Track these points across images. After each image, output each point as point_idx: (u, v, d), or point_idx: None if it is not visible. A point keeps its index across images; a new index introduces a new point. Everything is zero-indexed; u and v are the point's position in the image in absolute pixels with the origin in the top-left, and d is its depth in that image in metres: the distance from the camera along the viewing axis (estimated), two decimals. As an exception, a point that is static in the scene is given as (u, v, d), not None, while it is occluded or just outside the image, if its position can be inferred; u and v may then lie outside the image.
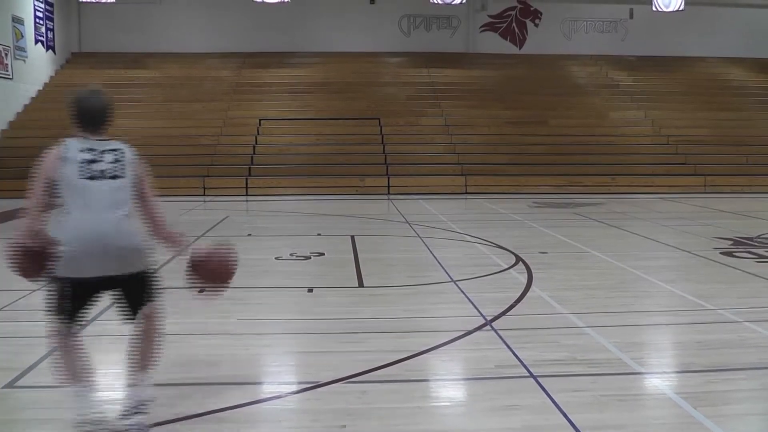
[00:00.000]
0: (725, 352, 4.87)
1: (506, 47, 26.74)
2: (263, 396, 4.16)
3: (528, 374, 4.40)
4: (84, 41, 25.59)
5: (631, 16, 26.79)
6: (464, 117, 22.02)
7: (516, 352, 4.81)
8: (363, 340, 5.16)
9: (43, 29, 23.27)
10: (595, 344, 5.03)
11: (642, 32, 26.61)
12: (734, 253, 8.86)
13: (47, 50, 23.74)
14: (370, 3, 26.06)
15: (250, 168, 19.44)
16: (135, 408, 3.60)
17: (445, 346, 5.00)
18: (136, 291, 3.65)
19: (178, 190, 18.19)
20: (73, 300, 3.49)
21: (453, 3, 24.58)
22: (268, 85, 23.81)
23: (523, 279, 7.29)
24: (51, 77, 23.97)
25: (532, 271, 7.68)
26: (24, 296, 6.52)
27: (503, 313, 5.88)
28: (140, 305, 3.69)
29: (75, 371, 3.56)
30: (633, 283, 7.23)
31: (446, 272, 7.67)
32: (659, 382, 4.36)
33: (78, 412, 3.52)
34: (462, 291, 6.74)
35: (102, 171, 3.54)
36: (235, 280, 7.40)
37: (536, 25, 26.81)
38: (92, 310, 5.84)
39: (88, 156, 3.56)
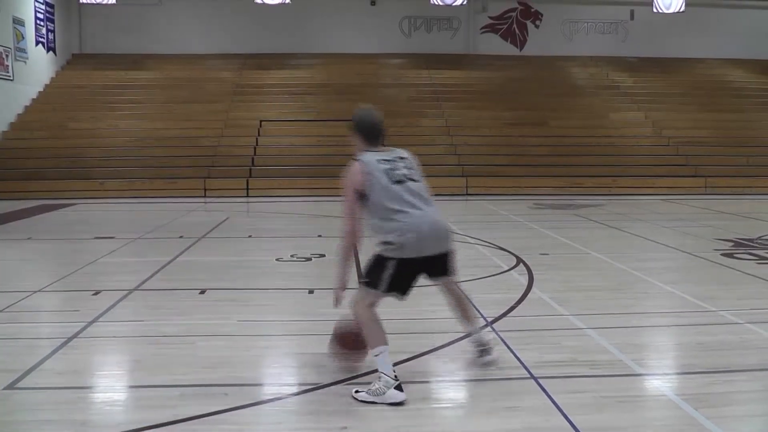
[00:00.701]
0: (726, 353, 4.87)
1: (507, 48, 26.74)
2: (264, 397, 4.16)
3: (529, 375, 4.41)
4: (85, 42, 25.61)
5: (632, 17, 26.79)
6: (465, 118, 22.02)
7: (517, 354, 4.81)
8: (364, 342, 5.16)
9: (43, 30, 23.28)
10: (596, 345, 5.04)
11: (642, 33, 26.62)
12: (735, 255, 8.86)
13: (48, 51, 23.76)
14: (371, 4, 26.07)
15: (250, 169, 19.45)
16: (485, 347, 4.55)
17: (446, 348, 5.00)
18: (443, 266, 4.42)
19: (179, 191, 18.23)
20: (405, 278, 4.23)
21: (454, 4, 24.58)
22: (268, 87, 23.81)
23: (524, 280, 7.29)
24: (52, 78, 23.99)
25: (533, 272, 7.68)
26: (24, 298, 6.54)
27: (504, 315, 5.88)
28: (443, 276, 4.49)
29: (381, 336, 4.17)
30: (633, 285, 7.22)
31: (447, 273, 7.65)
32: (660, 383, 4.36)
33: (385, 370, 4.08)
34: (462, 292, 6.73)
35: (404, 175, 4.22)
36: (236, 281, 7.47)
37: (537, 27, 26.82)
38: (92, 312, 5.86)
39: (387, 166, 4.20)
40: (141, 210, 15.43)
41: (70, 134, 20.73)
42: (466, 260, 8.68)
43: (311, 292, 6.85)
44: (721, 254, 8.89)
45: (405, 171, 4.26)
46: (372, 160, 4.18)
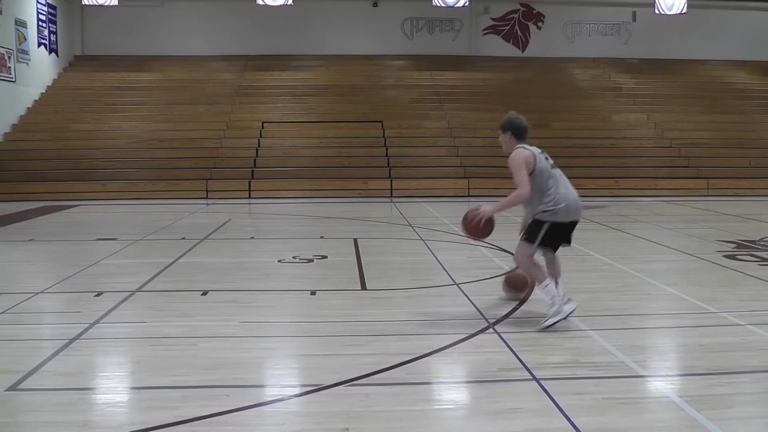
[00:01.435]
0: (728, 355, 4.86)
1: (509, 50, 26.74)
2: (266, 399, 4.15)
3: (531, 377, 4.39)
4: (87, 44, 25.65)
5: (634, 18, 26.77)
6: (467, 120, 22.01)
7: (519, 355, 4.80)
8: (366, 343, 5.16)
9: (45, 32, 23.31)
10: (598, 347, 5.03)
11: (645, 35, 26.60)
12: (737, 256, 8.85)
13: (50, 53, 23.78)
14: (373, 6, 26.09)
15: (252, 171, 19.46)
16: (567, 297, 5.54)
17: (448, 349, 4.99)
18: (570, 234, 5.70)
19: (181, 192, 18.24)
20: (559, 237, 5.62)
21: (456, 6, 24.59)
22: (270, 88, 23.83)
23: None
24: (54, 80, 24.03)
25: (535, 274, 7.67)
26: (27, 299, 6.55)
27: (506, 316, 5.88)
28: (568, 244, 5.77)
29: (543, 273, 5.63)
30: (636, 286, 7.21)
31: (449, 275, 7.66)
32: (662, 385, 4.35)
33: (556, 302, 5.40)
34: (465, 294, 6.74)
35: (552, 164, 5.67)
36: (238, 283, 7.48)
37: (539, 28, 26.81)
38: (94, 314, 5.87)
39: (543, 155, 5.66)
40: (143, 211, 15.45)
41: (72, 136, 20.77)
42: (468, 262, 8.70)
43: (313, 293, 6.84)
44: (724, 256, 8.87)
45: (551, 160, 5.71)
46: (535, 149, 5.63)
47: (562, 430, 3.66)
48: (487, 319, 5.74)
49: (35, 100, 22.64)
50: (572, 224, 5.61)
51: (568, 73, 25.62)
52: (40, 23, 22.90)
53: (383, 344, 5.13)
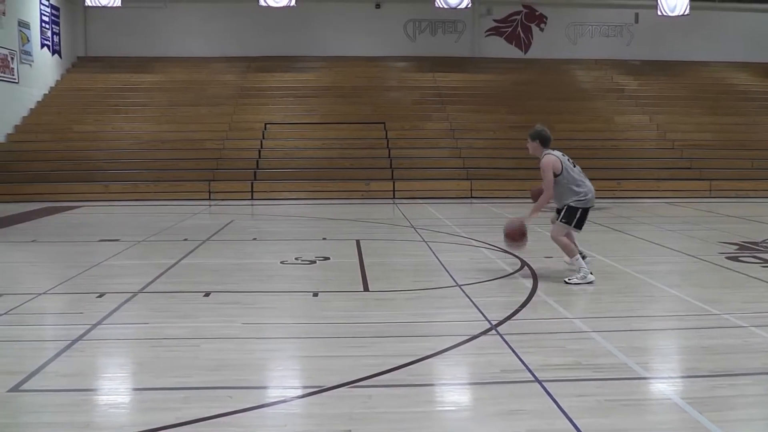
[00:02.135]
0: (730, 357, 4.85)
1: (511, 52, 26.75)
2: (268, 400, 4.15)
3: (533, 379, 4.39)
4: (90, 45, 25.71)
5: (637, 20, 26.77)
6: (469, 121, 22.03)
7: (521, 357, 4.79)
8: (368, 345, 5.15)
9: (49, 33, 23.36)
10: (601, 349, 5.02)
11: (647, 37, 26.60)
12: (739, 258, 8.84)
13: (53, 54, 23.85)
14: (376, 7, 26.12)
15: (255, 172, 19.48)
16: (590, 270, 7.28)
17: (451, 351, 4.99)
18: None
19: (184, 194, 18.27)
20: (584, 219, 7.32)
21: (458, 7, 24.60)
22: (273, 89, 23.86)
23: (529, 284, 7.28)
24: (57, 81, 24.11)
25: (538, 275, 7.67)
26: (29, 300, 6.55)
27: (508, 318, 5.87)
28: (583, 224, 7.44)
29: (574, 249, 7.29)
30: (638, 288, 7.21)
31: (451, 277, 7.66)
32: (665, 387, 4.35)
33: (583, 270, 7.15)
34: (467, 295, 6.74)
35: (573, 163, 7.37)
36: (240, 284, 7.48)
37: (541, 30, 26.82)
38: (96, 315, 5.88)
39: (565, 158, 7.35)
40: (146, 213, 15.45)
41: (74, 137, 20.80)
42: (471, 263, 8.69)
43: (316, 294, 6.84)
44: (726, 257, 8.86)
45: (572, 161, 7.40)
46: (558, 154, 7.33)
47: (564, 431, 3.65)
48: (489, 321, 5.74)
49: (38, 102, 22.70)
50: (588, 210, 7.35)
51: (571, 74, 25.61)
52: (43, 24, 22.95)
53: (385, 346, 5.13)
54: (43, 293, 6.92)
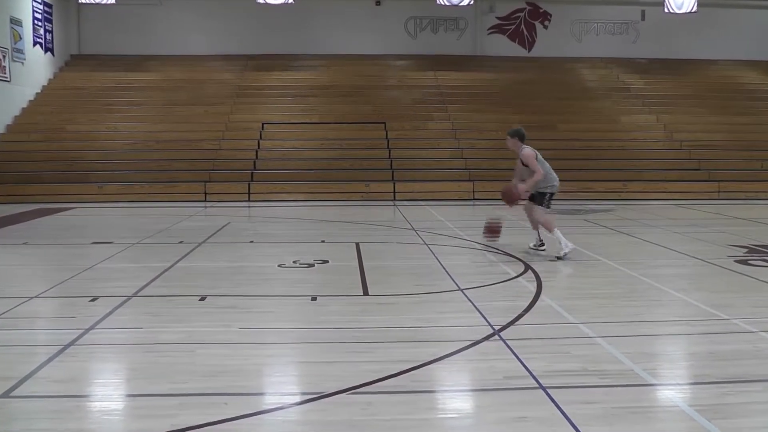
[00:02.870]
0: (740, 363, 4.78)
1: (515, 50, 26.69)
2: (265, 407, 4.10)
3: (537, 385, 4.33)
4: (83, 43, 25.62)
5: (643, 17, 26.68)
6: (472, 121, 21.93)
7: (525, 363, 4.73)
8: (368, 350, 5.09)
9: (41, 31, 23.19)
10: (607, 355, 4.94)
11: (654, 34, 26.51)
12: (749, 261, 8.75)
13: (46, 52, 23.67)
14: (376, 4, 26.04)
15: (252, 173, 19.37)
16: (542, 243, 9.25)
17: (453, 356, 4.92)
18: None
19: (179, 195, 18.18)
20: (551, 200, 8.99)
21: (460, 4, 24.50)
22: (271, 88, 23.77)
23: (532, 287, 7.19)
24: (50, 80, 23.97)
25: (542, 279, 7.60)
26: (20, 304, 6.48)
27: (512, 323, 5.79)
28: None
29: (554, 223, 8.93)
30: (645, 292, 7.13)
31: (453, 280, 7.59)
32: (672, 394, 4.27)
33: (564, 245, 8.68)
34: (470, 300, 6.66)
35: (542, 156, 9.08)
36: (237, 288, 7.40)
37: (545, 27, 26.73)
38: (89, 319, 5.78)
39: (538, 150, 9.04)
40: (140, 214, 15.37)
41: (68, 137, 20.70)
42: (473, 267, 8.64)
43: (314, 299, 6.76)
44: (735, 261, 8.77)
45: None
46: (533, 148, 9.01)
47: (569, 440, 3.58)
48: (492, 326, 5.66)
49: (30, 100, 22.55)
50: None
51: (576, 73, 25.52)
52: (36, 22, 22.78)
53: (386, 351, 5.07)
54: (35, 297, 6.84)
